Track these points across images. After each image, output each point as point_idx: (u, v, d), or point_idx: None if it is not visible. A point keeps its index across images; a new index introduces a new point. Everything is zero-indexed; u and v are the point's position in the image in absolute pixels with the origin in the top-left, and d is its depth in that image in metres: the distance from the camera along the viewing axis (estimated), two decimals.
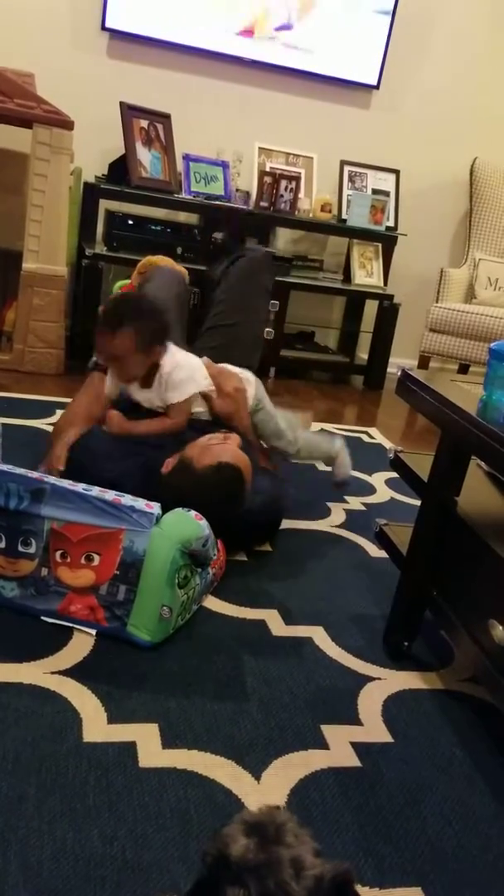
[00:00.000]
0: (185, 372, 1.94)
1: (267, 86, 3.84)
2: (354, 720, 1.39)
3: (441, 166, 4.19)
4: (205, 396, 2.00)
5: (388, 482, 2.62)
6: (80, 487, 1.48)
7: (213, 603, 1.67)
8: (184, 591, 1.49)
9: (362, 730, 1.36)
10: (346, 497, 2.43)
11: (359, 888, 0.97)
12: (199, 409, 2.01)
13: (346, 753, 1.30)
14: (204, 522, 1.51)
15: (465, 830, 1.18)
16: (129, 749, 1.21)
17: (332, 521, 2.24)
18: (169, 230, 3.59)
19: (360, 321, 4.19)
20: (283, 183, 3.69)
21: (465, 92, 4.10)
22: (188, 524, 1.49)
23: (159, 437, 1.92)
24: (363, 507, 2.38)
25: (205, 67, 3.73)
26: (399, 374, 1.66)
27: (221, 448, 1.75)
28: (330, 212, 3.89)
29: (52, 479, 1.49)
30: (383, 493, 2.53)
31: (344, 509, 2.33)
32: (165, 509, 1.51)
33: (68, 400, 2.86)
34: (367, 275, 4.01)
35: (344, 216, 3.96)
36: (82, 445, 1.87)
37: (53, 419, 2.60)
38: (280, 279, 3.69)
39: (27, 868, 0.98)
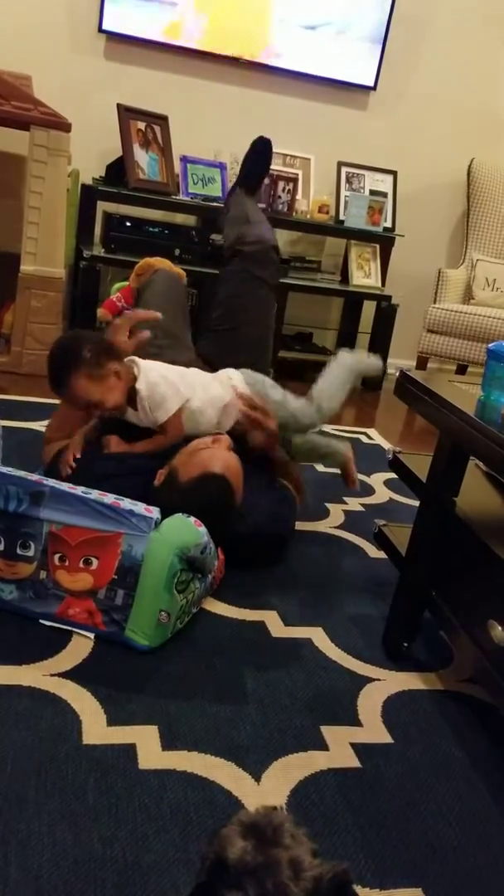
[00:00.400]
0: (161, 389, 1.85)
1: (264, 87, 3.85)
2: (354, 721, 1.39)
3: (438, 167, 4.19)
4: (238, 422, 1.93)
5: (387, 483, 2.62)
6: (79, 490, 1.48)
7: (212, 604, 1.67)
8: (182, 596, 1.49)
9: (362, 731, 1.36)
10: (345, 498, 2.43)
11: (359, 889, 0.97)
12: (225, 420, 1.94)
13: (346, 754, 1.30)
14: (203, 529, 1.51)
15: (465, 831, 1.18)
16: (129, 751, 1.21)
17: (331, 521, 2.24)
18: (167, 232, 3.59)
19: (358, 322, 4.20)
20: (281, 184, 3.70)
21: (463, 93, 4.11)
22: (187, 530, 1.49)
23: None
24: (362, 508, 2.38)
25: (202, 69, 3.74)
26: (397, 375, 1.67)
27: (209, 455, 1.69)
28: (327, 213, 3.89)
29: (51, 482, 1.49)
30: (382, 494, 2.53)
31: (343, 510, 2.33)
32: (164, 514, 1.50)
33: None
34: (364, 276, 4.01)
35: (341, 217, 3.96)
36: (83, 469, 1.82)
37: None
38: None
39: (27, 870, 0.98)
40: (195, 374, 1.98)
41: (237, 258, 2.37)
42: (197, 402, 1.89)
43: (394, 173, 4.10)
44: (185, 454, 1.72)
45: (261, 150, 2.60)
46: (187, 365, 2.04)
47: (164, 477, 1.70)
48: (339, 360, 2.19)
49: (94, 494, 1.47)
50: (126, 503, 1.47)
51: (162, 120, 3.60)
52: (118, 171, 3.47)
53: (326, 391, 2.11)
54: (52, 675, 1.36)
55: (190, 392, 1.89)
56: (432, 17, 3.96)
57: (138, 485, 1.70)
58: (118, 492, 1.54)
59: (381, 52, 3.86)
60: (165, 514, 1.51)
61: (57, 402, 2.77)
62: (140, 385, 1.85)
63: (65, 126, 2.92)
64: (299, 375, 3.98)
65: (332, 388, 2.12)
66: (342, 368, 2.17)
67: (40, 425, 2.55)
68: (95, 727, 1.25)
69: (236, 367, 2.06)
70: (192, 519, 1.50)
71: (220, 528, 1.60)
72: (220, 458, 1.69)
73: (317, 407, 2.07)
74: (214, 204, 3.65)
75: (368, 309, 4.08)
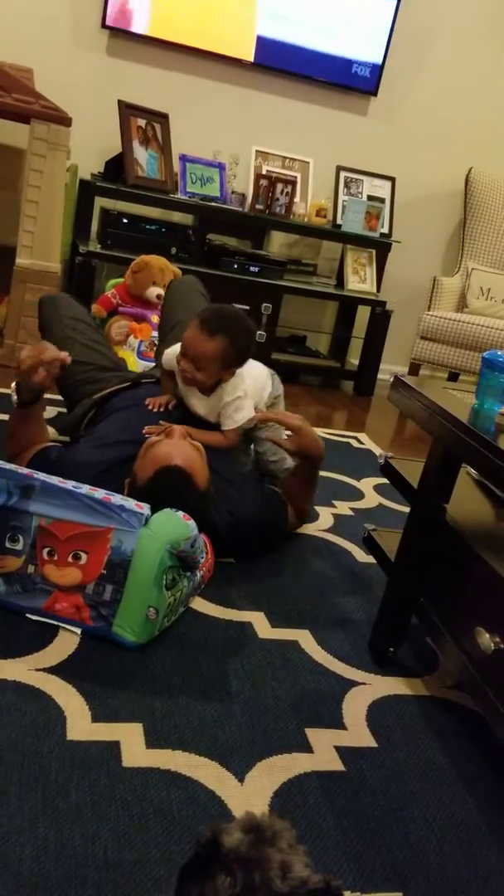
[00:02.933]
0: (245, 409, 1.94)
1: (266, 89, 3.85)
2: (339, 724, 1.39)
3: (437, 175, 4.21)
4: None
5: (376, 488, 2.62)
6: (69, 485, 1.47)
7: (199, 604, 1.67)
8: (171, 593, 1.49)
9: (347, 734, 1.36)
10: (335, 501, 2.43)
11: None
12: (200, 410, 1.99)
13: (330, 757, 1.29)
14: (192, 523, 1.50)
15: (447, 837, 1.18)
16: (113, 748, 1.21)
17: (320, 524, 2.24)
18: (164, 230, 3.59)
19: (352, 327, 4.21)
20: (279, 186, 3.71)
21: (463, 102, 4.13)
22: (177, 524, 1.48)
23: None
24: (351, 513, 2.38)
25: (204, 68, 3.74)
26: (392, 380, 1.67)
27: (162, 450, 1.66)
28: (325, 217, 3.90)
29: (41, 476, 1.48)
30: (371, 499, 2.54)
31: (332, 514, 2.33)
32: (154, 510, 1.50)
33: (58, 397, 2.85)
34: (360, 281, 4.02)
35: (339, 221, 3.97)
36: (60, 466, 1.77)
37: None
38: (273, 282, 3.69)
39: (7, 866, 0.97)
40: (261, 376, 2.12)
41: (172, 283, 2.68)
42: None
43: (392, 179, 4.11)
44: (140, 458, 1.69)
45: None
46: None
47: (128, 487, 1.69)
48: None
49: (85, 489, 1.47)
50: (117, 498, 1.46)
51: (162, 118, 3.59)
52: (117, 167, 3.47)
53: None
54: (38, 669, 1.35)
55: (253, 414, 1.98)
56: (435, 25, 3.98)
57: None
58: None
59: (383, 57, 3.87)
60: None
61: (47, 396, 2.76)
62: (229, 384, 1.91)
63: (65, 120, 2.92)
64: (292, 378, 4.00)
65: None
66: None
67: None
68: (80, 723, 1.24)
69: None
70: (181, 513, 1.50)
71: (192, 516, 1.58)
72: (170, 449, 1.66)
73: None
74: (212, 204, 3.66)
75: (363, 314, 4.09)
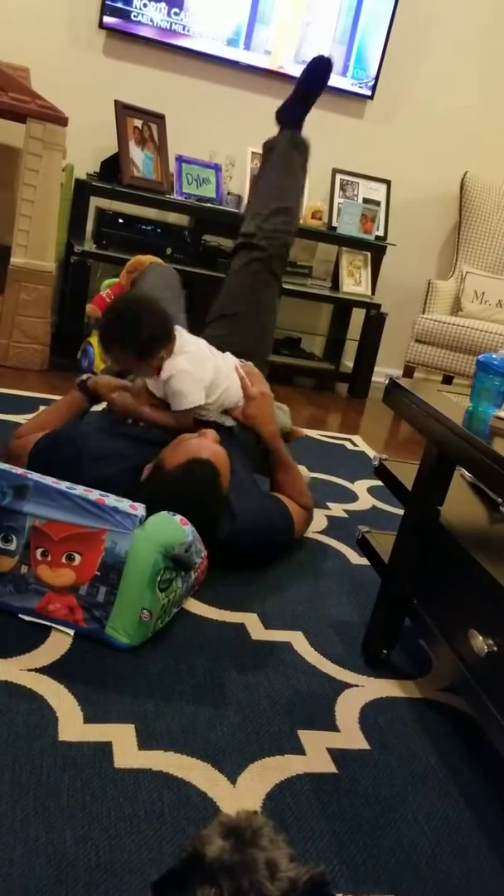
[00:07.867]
0: (182, 384, 1.86)
1: (262, 91, 3.85)
2: (332, 726, 1.38)
3: (432, 179, 4.22)
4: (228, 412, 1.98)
5: (370, 490, 2.62)
6: (63, 486, 1.47)
7: (193, 605, 1.67)
8: (165, 595, 1.49)
9: (339, 736, 1.36)
10: (329, 503, 2.43)
11: None
12: (229, 422, 2.00)
13: (323, 759, 1.29)
14: (189, 528, 1.50)
15: (439, 840, 1.18)
16: (105, 749, 1.20)
17: (314, 526, 2.23)
18: (159, 230, 3.59)
19: (347, 329, 4.21)
20: None
21: (459, 106, 4.13)
22: (172, 528, 1.48)
23: (162, 431, 1.88)
24: (345, 515, 2.38)
25: (200, 70, 3.73)
26: (387, 382, 1.67)
27: (196, 444, 1.69)
28: (320, 219, 3.90)
29: (35, 476, 1.48)
30: (365, 501, 2.54)
31: (326, 516, 2.33)
32: (150, 512, 1.49)
33: (52, 396, 2.85)
34: (355, 283, 4.02)
35: (334, 224, 3.97)
36: (69, 443, 1.80)
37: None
38: None
39: None
40: (223, 360, 2.03)
41: (264, 251, 2.34)
42: (226, 394, 1.96)
43: (387, 182, 4.12)
44: (171, 447, 1.73)
45: (319, 72, 2.58)
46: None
47: (151, 471, 1.70)
48: None
49: (79, 490, 1.46)
50: (111, 500, 1.46)
51: (159, 118, 3.59)
52: (113, 167, 3.46)
53: None
54: (30, 670, 1.35)
55: (201, 397, 1.90)
56: (431, 30, 3.99)
57: (128, 480, 1.69)
58: (106, 477, 1.58)
59: (379, 61, 3.88)
60: (153, 506, 1.50)
61: (41, 396, 2.74)
62: (165, 365, 1.85)
63: (61, 120, 2.91)
64: (287, 380, 4.00)
65: None
66: None
67: (25, 418, 2.53)
68: (72, 724, 1.24)
69: (237, 355, 2.09)
70: (178, 517, 1.49)
71: (206, 514, 1.58)
72: (206, 446, 1.70)
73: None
74: (208, 205, 3.66)
75: (357, 316, 4.09)
